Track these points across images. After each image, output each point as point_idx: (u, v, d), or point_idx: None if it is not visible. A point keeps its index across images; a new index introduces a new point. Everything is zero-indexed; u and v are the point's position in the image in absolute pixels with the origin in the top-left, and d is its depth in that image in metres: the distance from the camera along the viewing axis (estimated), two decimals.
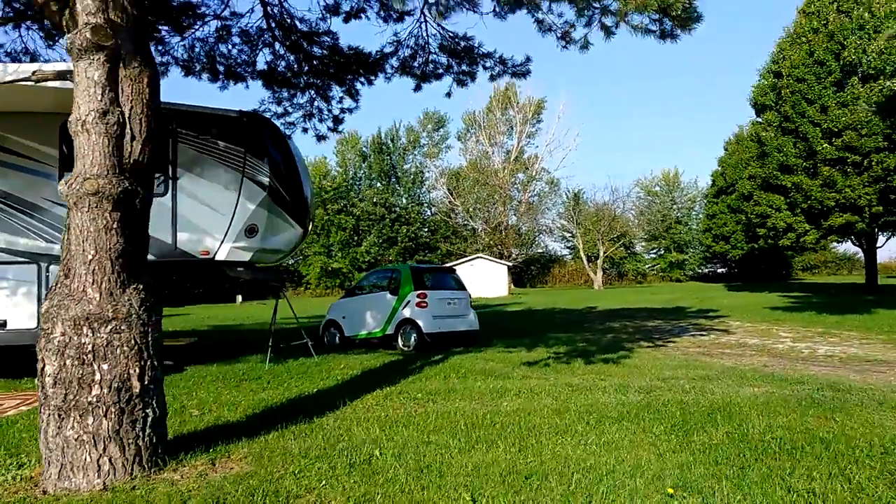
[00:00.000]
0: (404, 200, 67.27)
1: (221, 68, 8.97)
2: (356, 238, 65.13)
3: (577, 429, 5.61)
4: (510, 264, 47.83)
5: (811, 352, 10.92)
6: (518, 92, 69.68)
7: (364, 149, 68.70)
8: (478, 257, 44.50)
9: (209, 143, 9.54)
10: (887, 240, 31.61)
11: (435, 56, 8.94)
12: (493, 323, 19.34)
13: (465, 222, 65.67)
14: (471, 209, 65.18)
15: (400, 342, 12.40)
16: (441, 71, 9.18)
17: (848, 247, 76.91)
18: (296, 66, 9.06)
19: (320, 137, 9.74)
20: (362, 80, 9.17)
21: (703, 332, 14.68)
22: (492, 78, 8.72)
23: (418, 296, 12.37)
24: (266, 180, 9.65)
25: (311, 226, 11.42)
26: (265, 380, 8.99)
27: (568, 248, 73.76)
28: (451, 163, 73.60)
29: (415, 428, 5.75)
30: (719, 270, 74.50)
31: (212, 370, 9.88)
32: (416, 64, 9.03)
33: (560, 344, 12.93)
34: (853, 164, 27.42)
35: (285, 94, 9.35)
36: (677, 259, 72.15)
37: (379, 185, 66.77)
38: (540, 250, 73.01)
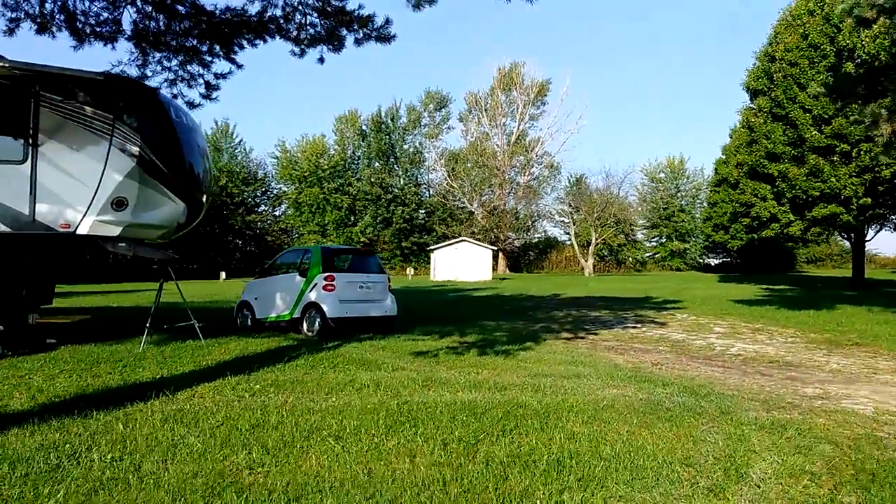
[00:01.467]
0: (402, 181, 66.57)
1: (82, 26, 8.35)
2: (352, 218, 64.74)
3: (350, 434, 5.03)
4: (495, 248, 47.15)
5: (722, 350, 10.22)
6: (523, 73, 68.57)
7: (364, 127, 67.99)
8: (462, 240, 43.82)
9: (75, 107, 8.93)
10: (876, 233, 30.44)
11: (311, 17, 8.25)
12: (436, 308, 18.80)
13: (463, 205, 64.88)
14: (468, 191, 64.36)
15: (304, 327, 11.85)
16: (323, 33, 8.50)
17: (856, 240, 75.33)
18: (163, 25, 8.42)
19: (191, 105, 9.11)
20: (236, 43, 8.51)
21: (638, 325, 13.99)
22: (357, 42, 8.02)
23: (325, 278, 11.78)
24: (136, 150, 9.02)
25: (205, 200, 10.84)
26: (125, 363, 8.52)
27: (567, 233, 72.81)
28: (452, 144, 72.65)
29: (196, 425, 5.26)
30: (722, 261, 73.25)
31: (84, 350, 9.43)
32: (290, 27, 8.35)
33: (477, 333, 12.33)
34: (841, 153, 26.32)
35: (156, 56, 8.71)
36: (678, 248, 70.99)
37: (377, 164, 66.11)
38: (538, 235, 72.23)
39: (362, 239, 63.66)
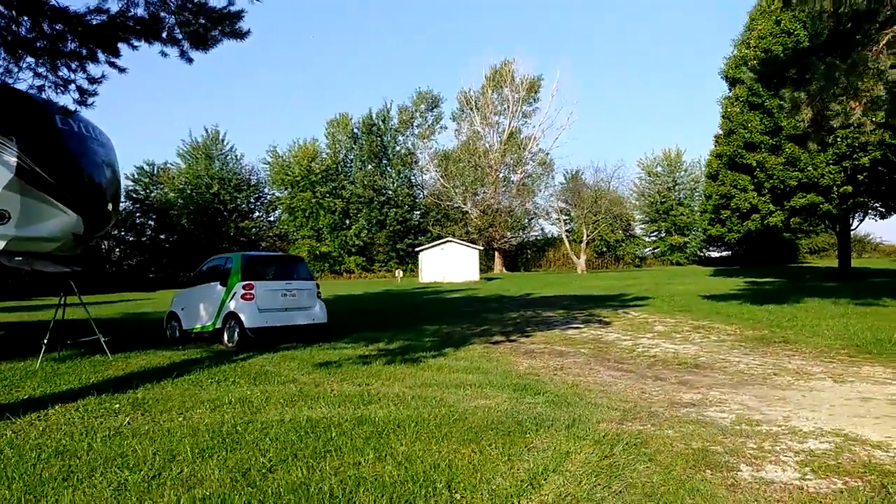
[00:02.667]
0: (394, 183, 66.27)
1: None
2: (346, 221, 64.56)
3: (144, 462, 4.72)
4: (482, 248, 46.64)
5: (643, 351, 9.77)
6: (514, 70, 68.09)
7: (355, 130, 67.76)
8: (448, 241, 43.37)
9: None
10: (860, 222, 29.69)
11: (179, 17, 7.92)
12: (390, 313, 18.47)
13: (457, 205, 64.46)
14: (461, 191, 63.94)
15: (225, 338, 11.55)
16: (201, 32, 8.18)
17: (859, 229, 74.23)
18: (26, 30, 8.13)
19: (66, 112, 8.80)
20: (101, 48, 8.20)
21: (581, 326, 13.54)
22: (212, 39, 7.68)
23: (244, 287, 11.46)
24: (13, 160, 8.75)
25: (111, 209, 10.57)
26: (9, 381, 8.32)
27: (566, 230, 72.20)
28: (445, 144, 72.26)
29: (17, 450, 5.03)
30: (722, 254, 72.30)
31: None
32: (162, 27, 8.03)
33: (407, 339, 11.98)
34: (819, 141, 25.60)
35: (26, 62, 8.41)
36: (678, 242, 70.12)
37: (370, 167, 65.86)
38: (536, 233, 71.66)
39: (357, 242, 63.47)
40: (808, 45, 10.71)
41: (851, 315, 13.42)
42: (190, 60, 8.12)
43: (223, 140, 62.86)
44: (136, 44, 8.57)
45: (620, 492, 3.89)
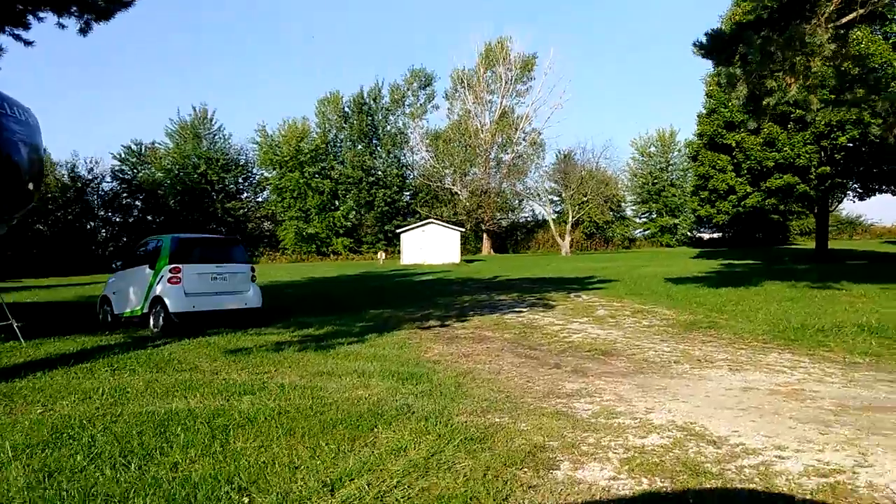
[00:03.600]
0: (384, 163, 65.71)
1: None
2: (335, 202, 64.18)
3: None
4: (463, 230, 46.29)
5: (566, 336, 9.55)
6: (509, 47, 67.16)
7: (346, 108, 67.04)
8: (429, 222, 43.05)
9: None
10: (839, 203, 29.29)
11: None
12: (345, 297, 18.27)
13: (447, 186, 64.00)
14: (451, 172, 63.45)
15: (151, 322, 11.35)
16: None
17: (850, 210, 73.75)
18: None
19: None
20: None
21: (524, 310, 13.31)
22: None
23: (171, 270, 11.22)
24: None
25: (30, 188, 10.27)
26: None
27: (556, 212, 71.77)
28: (437, 125, 71.55)
29: None
30: (714, 235, 71.94)
31: None
32: None
33: (338, 324, 11.81)
34: (796, 119, 25.22)
35: None
36: (668, 223, 69.75)
37: (360, 146, 65.27)
38: (526, 215, 71.23)
39: (345, 224, 63.10)
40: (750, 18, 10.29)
41: (799, 299, 13.19)
42: (85, 32, 7.76)
43: (212, 119, 62.33)
44: (42, 15, 8.27)
45: (411, 497, 3.66)
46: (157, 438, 4.95)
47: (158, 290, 11.24)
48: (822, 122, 24.01)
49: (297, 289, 22.17)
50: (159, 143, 61.27)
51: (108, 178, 58.33)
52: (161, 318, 11.14)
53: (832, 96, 11.13)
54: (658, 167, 70.92)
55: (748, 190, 27.50)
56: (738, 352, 7.82)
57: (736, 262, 30.81)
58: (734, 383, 6.17)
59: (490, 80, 67.32)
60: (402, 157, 68.00)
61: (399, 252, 44.04)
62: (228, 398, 6.23)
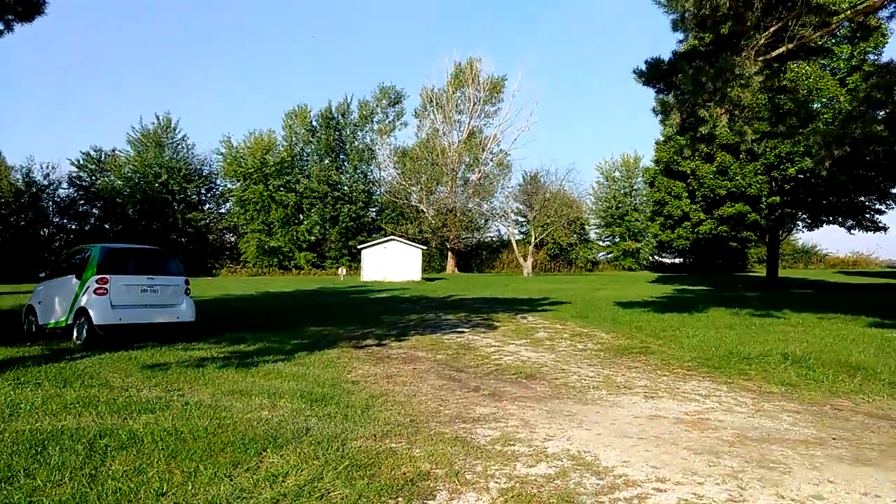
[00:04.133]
0: (350, 178, 65.42)
1: None
2: (299, 216, 63.55)
3: None
4: (425, 247, 46.23)
5: (497, 358, 9.46)
6: (479, 69, 67.89)
7: (314, 122, 66.72)
8: (391, 239, 42.84)
9: None
10: (789, 233, 30.04)
11: None
12: (292, 312, 17.96)
13: (413, 203, 63.97)
14: (418, 189, 63.49)
15: (74, 334, 10.92)
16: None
17: (807, 239, 75.92)
18: None
19: None
20: None
21: (467, 330, 13.21)
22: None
23: (97, 281, 10.82)
24: None
25: None
26: None
27: (522, 233, 72.21)
28: (405, 142, 71.61)
29: None
30: (675, 260, 73.15)
31: None
32: None
33: (273, 341, 11.52)
34: (747, 150, 25.86)
35: None
36: (631, 247, 70.70)
37: (326, 161, 64.89)
38: (492, 234, 71.53)
39: (308, 238, 62.51)
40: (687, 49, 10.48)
41: (738, 326, 13.34)
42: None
43: (175, 128, 61.35)
44: None
45: None
46: (29, 459, 4.68)
47: (84, 301, 10.83)
48: (773, 154, 24.63)
49: (246, 303, 21.73)
50: (120, 151, 60.11)
51: (65, 185, 56.92)
52: (85, 331, 10.73)
53: (770, 128, 11.37)
54: (622, 192, 72.00)
55: (702, 217, 28.02)
56: (660, 379, 7.81)
57: (690, 287, 31.28)
58: (644, 411, 6.13)
59: (459, 101, 67.90)
60: (369, 174, 67.89)
61: (360, 268, 43.72)
62: (126, 417, 5.97)
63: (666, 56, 10.77)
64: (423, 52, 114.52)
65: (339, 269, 49.56)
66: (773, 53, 8.97)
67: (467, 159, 66.04)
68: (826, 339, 11.03)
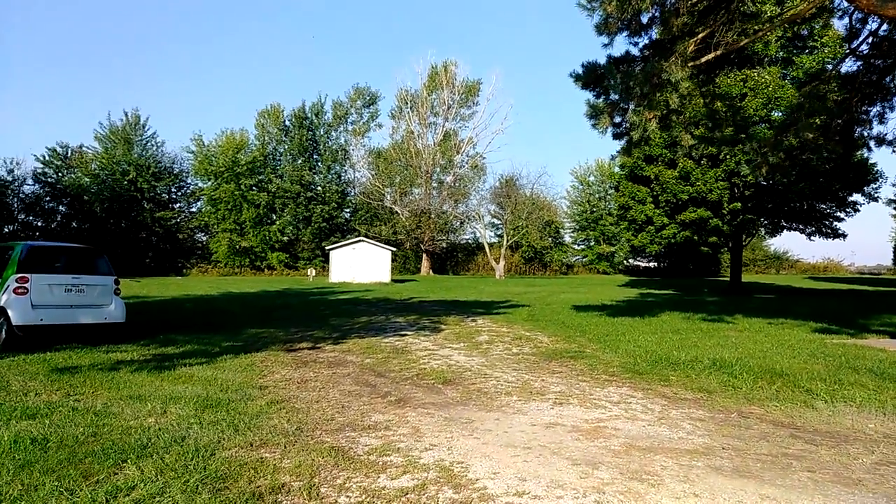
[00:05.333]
0: (324, 179, 64.92)
1: None
2: (272, 216, 62.89)
3: None
4: (394, 249, 45.97)
5: (426, 362, 9.24)
6: (455, 72, 67.91)
7: (287, 122, 66.10)
8: (360, 240, 42.49)
9: None
10: (750, 239, 30.29)
11: None
12: (246, 313, 17.66)
13: (387, 205, 63.68)
14: (392, 191, 63.23)
15: None
16: None
17: (778, 245, 76.96)
18: None
19: None
20: None
21: (410, 333, 13.00)
22: None
23: (17, 280, 10.41)
24: None
25: None
26: None
27: (498, 236, 72.22)
28: (379, 143, 71.42)
29: None
30: (649, 264, 73.72)
31: None
32: None
33: (207, 343, 11.27)
34: (709, 156, 26.00)
35: None
36: (605, 251, 71.05)
37: (299, 161, 64.31)
38: (467, 237, 71.44)
39: (281, 238, 61.90)
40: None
41: (684, 331, 13.29)
42: None
43: (144, 125, 60.33)
44: None
45: None
46: None
47: (3, 300, 10.39)
48: (733, 160, 24.76)
49: (202, 304, 21.31)
50: (88, 148, 58.95)
51: (30, 181, 55.70)
52: (3, 331, 10.30)
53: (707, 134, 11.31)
54: (597, 196, 72.35)
55: (665, 221, 28.12)
56: (579, 384, 7.66)
57: (655, 291, 31.38)
58: (545, 418, 5.96)
59: (435, 103, 67.82)
60: (343, 174, 67.47)
61: (328, 269, 43.32)
62: (5, 423, 5.67)
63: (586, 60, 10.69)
64: (400, 53, 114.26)
65: (309, 270, 49.07)
66: (703, 60, 8.88)
67: (442, 161, 65.94)
68: (764, 345, 11.00)
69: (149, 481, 4.18)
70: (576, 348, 10.71)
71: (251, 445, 5.00)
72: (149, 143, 60.38)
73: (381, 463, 4.57)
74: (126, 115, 59.93)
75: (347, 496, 3.91)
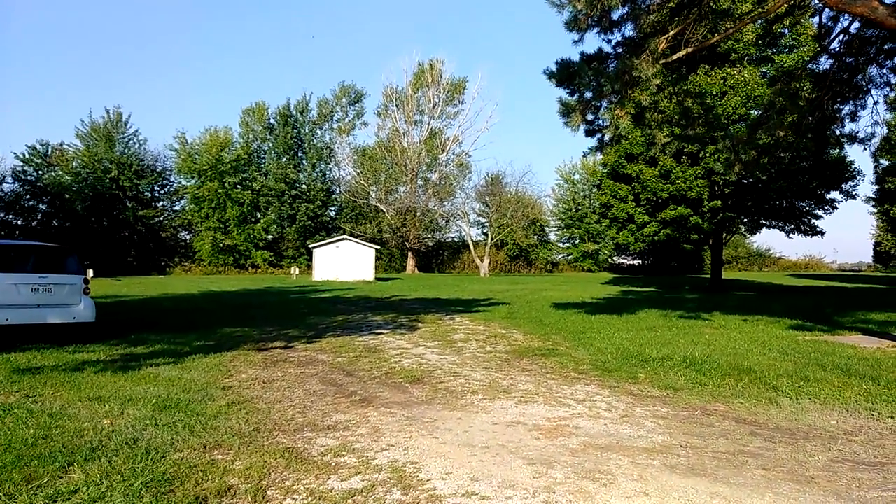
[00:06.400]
0: (309, 177, 64.59)
1: None
2: (256, 214, 62.47)
3: None
4: (378, 247, 45.84)
5: (397, 361, 9.17)
6: (441, 69, 67.83)
7: (271, 120, 65.69)
8: (343, 239, 42.30)
9: None
10: (730, 237, 30.50)
11: None
12: (218, 311, 17.51)
13: (372, 203, 63.50)
14: (378, 189, 63.05)
15: None
16: None
17: (761, 242, 77.59)
18: None
19: None
20: None
21: (387, 331, 12.93)
22: None
23: None
24: None
25: None
26: None
27: (483, 233, 72.16)
28: (365, 140, 71.17)
29: None
30: (634, 262, 74.06)
31: None
32: None
33: (176, 344, 11.11)
34: (689, 154, 26.12)
35: None
36: (590, 249, 71.29)
37: (284, 159, 63.92)
38: (453, 235, 71.38)
39: (265, 237, 61.52)
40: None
41: (660, 329, 13.32)
42: None
43: (126, 123, 59.67)
44: None
45: None
46: None
47: None
48: (713, 158, 24.88)
49: (178, 303, 21.08)
50: (69, 145, 58.19)
51: (10, 179, 54.90)
52: None
53: (680, 131, 11.33)
54: (582, 194, 72.52)
55: (646, 219, 28.24)
56: (547, 382, 7.63)
57: (637, 289, 31.51)
58: (507, 417, 5.92)
59: (421, 100, 67.70)
60: (328, 172, 67.16)
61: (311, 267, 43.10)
62: None
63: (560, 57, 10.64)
64: (386, 51, 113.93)
65: (292, 269, 48.80)
66: (674, 57, 8.88)
67: (427, 159, 65.85)
68: (737, 342, 11.03)
69: (92, 485, 4.09)
70: (549, 346, 10.69)
71: (204, 447, 4.91)
72: (131, 141, 59.80)
73: (334, 464, 4.51)
74: (108, 112, 59.36)
75: (294, 498, 3.84)
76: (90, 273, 35.00)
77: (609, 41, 9.71)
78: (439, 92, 66.74)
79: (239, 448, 4.88)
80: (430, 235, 67.58)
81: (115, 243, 56.68)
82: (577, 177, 74.09)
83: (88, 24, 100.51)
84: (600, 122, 9.81)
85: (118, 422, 5.67)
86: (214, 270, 58.89)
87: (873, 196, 40.42)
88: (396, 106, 67.08)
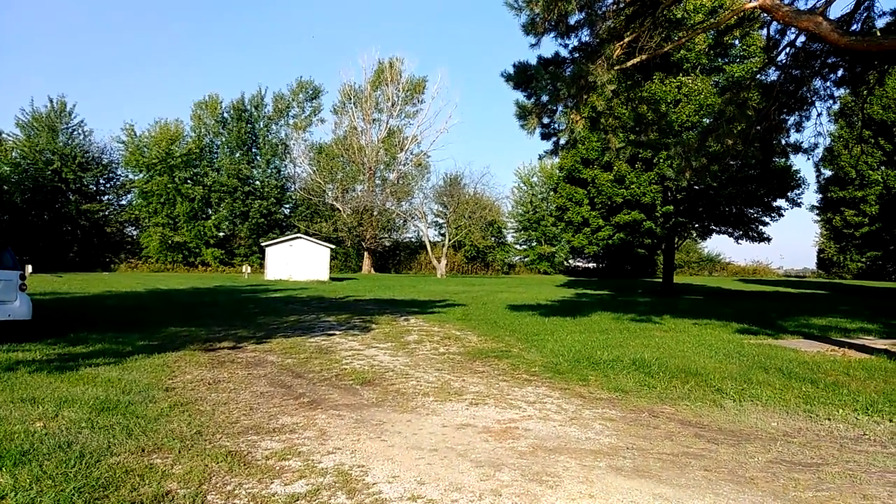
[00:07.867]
0: (263, 173, 63.40)
1: None
2: (207, 210, 60.97)
3: None
4: (334, 247, 45.40)
5: (348, 362, 9.07)
6: (400, 68, 67.56)
7: (224, 114, 64.22)
8: (297, 237, 41.70)
9: None
10: (682, 241, 31.30)
11: None
12: (165, 310, 17.01)
13: (328, 201, 62.77)
14: (334, 187, 62.39)
15: None
16: None
17: (711, 247, 79.85)
18: None
19: None
20: None
21: (339, 332, 12.77)
22: None
23: None
24: None
25: None
26: None
27: (442, 234, 72.22)
28: (322, 137, 70.31)
29: None
30: (589, 265, 75.25)
31: None
32: None
33: (118, 343, 10.72)
34: (643, 160, 26.67)
35: None
36: (546, 251, 72.12)
37: (237, 154, 62.59)
38: (410, 235, 71.20)
39: (217, 234, 60.11)
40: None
41: (612, 331, 13.51)
42: None
43: (71, 113, 57.42)
44: None
45: None
46: None
47: None
48: (666, 164, 25.48)
49: (122, 300, 20.36)
50: (8, 135, 55.67)
51: None
52: None
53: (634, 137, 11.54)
54: (539, 197, 73.34)
55: (601, 223, 28.73)
56: (498, 384, 7.63)
57: (591, 291, 32.01)
58: (457, 420, 5.89)
59: (380, 99, 67.33)
60: (283, 169, 66.13)
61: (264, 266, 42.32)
62: None
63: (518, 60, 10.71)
64: (344, 48, 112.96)
65: (244, 267, 47.84)
66: (629, 63, 9.03)
67: (385, 159, 65.55)
68: (685, 346, 11.27)
69: (21, 490, 3.87)
70: (502, 348, 10.73)
71: (143, 451, 4.72)
72: (75, 132, 57.63)
73: (278, 468, 4.39)
74: (51, 101, 57.07)
75: (234, 503, 3.71)
76: (28, 269, 33.60)
77: (566, 46, 9.82)
78: (399, 91, 66.60)
79: (179, 452, 4.70)
80: (387, 235, 67.27)
81: (57, 238, 54.52)
82: (535, 179, 74.91)
83: (32, 12, 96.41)
84: (556, 125, 9.91)
85: (52, 424, 5.41)
86: (162, 268, 57.27)
87: (817, 205, 42.10)
88: (354, 104, 66.59)
